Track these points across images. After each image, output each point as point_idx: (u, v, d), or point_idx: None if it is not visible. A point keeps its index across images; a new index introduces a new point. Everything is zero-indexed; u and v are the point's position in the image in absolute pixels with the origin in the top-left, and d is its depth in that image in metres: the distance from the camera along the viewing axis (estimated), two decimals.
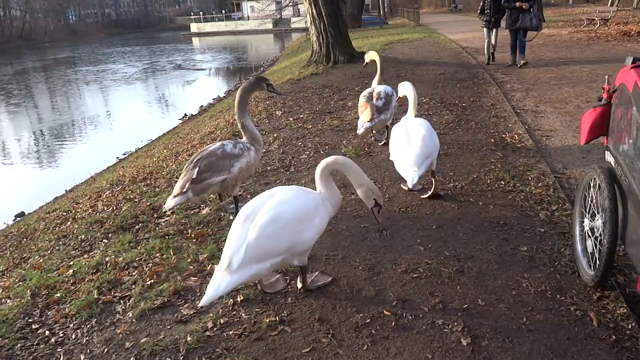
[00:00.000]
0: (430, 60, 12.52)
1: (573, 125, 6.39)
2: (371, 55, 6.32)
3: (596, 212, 2.92)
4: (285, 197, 2.79)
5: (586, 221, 3.04)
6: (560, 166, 5.12)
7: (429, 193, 4.35)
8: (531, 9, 10.53)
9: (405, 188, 4.54)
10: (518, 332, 2.61)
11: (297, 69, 12.99)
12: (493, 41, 12.01)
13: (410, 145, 4.03)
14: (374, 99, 5.48)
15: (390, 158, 4.28)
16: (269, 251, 2.65)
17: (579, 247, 3.15)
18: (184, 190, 3.79)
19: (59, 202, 7.25)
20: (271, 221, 2.65)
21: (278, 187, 2.96)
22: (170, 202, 3.84)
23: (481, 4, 11.80)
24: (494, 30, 11.86)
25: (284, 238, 2.67)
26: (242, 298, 3.04)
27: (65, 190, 8.82)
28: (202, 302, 2.55)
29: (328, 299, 2.99)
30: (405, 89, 4.73)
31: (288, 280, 3.20)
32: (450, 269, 3.21)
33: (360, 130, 5.48)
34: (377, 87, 5.76)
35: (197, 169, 3.82)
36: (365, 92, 5.65)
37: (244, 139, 4.17)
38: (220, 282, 2.56)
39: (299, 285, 3.09)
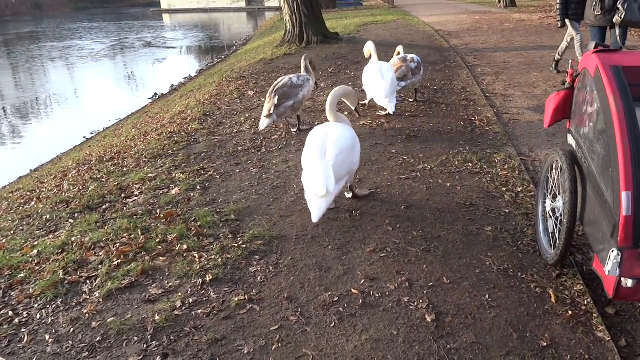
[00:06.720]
0: (404, 42, 12.48)
1: (540, 109, 6.53)
2: (368, 46, 6.43)
3: (557, 194, 3.02)
4: (338, 133, 3.64)
5: (548, 202, 3.14)
6: (526, 149, 5.24)
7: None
8: None
9: (383, 113, 6.07)
10: (480, 309, 2.70)
11: (270, 49, 12.81)
12: (579, 40, 7.95)
13: (383, 81, 5.60)
14: (408, 62, 6.30)
15: (364, 88, 6.09)
16: (342, 174, 3.52)
17: (540, 227, 3.25)
18: (270, 112, 5.24)
19: (23, 182, 7.04)
20: (339, 153, 3.49)
21: (325, 125, 3.76)
22: (262, 124, 5.33)
23: None
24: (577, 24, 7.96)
25: (346, 164, 3.55)
26: (211, 277, 3.04)
27: (30, 170, 8.55)
28: (314, 219, 3.27)
29: (297, 278, 3.02)
30: (367, 45, 6.31)
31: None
32: (417, 249, 3.28)
33: (397, 88, 6.12)
34: (408, 55, 6.55)
35: (276, 97, 5.27)
36: (396, 59, 6.44)
37: (303, 72, 5.73)
38: (320, 204, 3.27)
39: (349, 195, 4.02)
